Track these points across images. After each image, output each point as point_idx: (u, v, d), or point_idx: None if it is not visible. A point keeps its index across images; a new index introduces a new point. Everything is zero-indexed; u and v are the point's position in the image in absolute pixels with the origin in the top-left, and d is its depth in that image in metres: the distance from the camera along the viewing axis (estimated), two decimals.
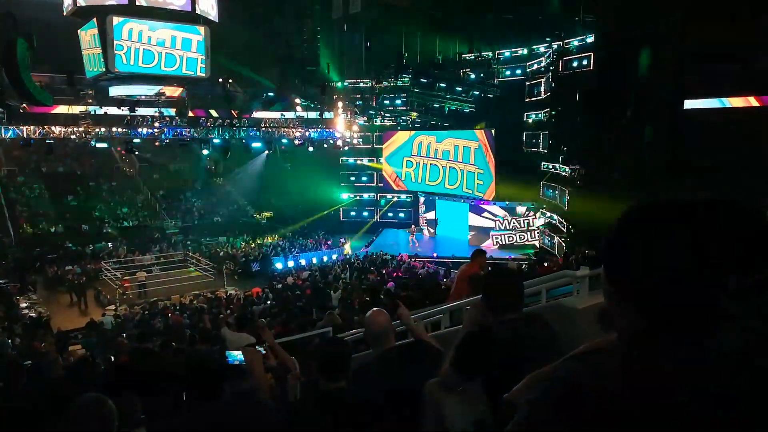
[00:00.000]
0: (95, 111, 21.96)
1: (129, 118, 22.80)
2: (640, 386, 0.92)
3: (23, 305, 20.18)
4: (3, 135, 20.32)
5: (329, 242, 30.44)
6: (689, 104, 16.07)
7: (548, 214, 25.36)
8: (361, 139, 32.10)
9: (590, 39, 21.46)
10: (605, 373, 0.95)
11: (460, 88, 27.27)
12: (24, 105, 20.96)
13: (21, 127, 20.96)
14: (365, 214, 34.61)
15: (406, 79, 27.36)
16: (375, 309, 3.16)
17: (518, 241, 27.34)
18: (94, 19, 16.47)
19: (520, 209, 27.26)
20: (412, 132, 31.92)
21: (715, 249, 0.93)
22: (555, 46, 23.62)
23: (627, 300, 1.01)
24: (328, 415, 2.48)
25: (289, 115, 27.28)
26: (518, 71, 26.90)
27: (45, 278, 24.07)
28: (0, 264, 24.23)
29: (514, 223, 27.54)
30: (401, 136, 32.04)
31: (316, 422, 2.50)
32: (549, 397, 0.98)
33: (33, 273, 24.23)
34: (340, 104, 26.65)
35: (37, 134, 21.32)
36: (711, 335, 0.94)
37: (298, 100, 26.20)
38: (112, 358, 9.18)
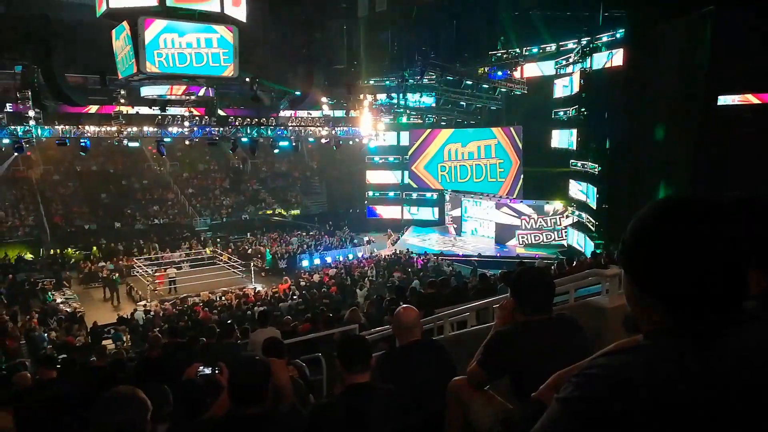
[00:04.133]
0: (127, 111, 22.46)
1: (160, 117, 23.24)
2: (666, 384, 0.91)
3: (58, 300, 20.78)
4: (39, 135, 20.88)
5: (355, 240, 30.57)
6: (723, 100, 15.69)
7: (576, 212, 25.02)
8: (387, 138, 32.16)
9: (620, 34, 21.04)
10: (633, 371, 0.95)
11: (486, 86, 27.05)
12: (59, 105, 21.54)
13: (56, 127, 21.52)
14: (391, 211, 34.61)
15: (432, 77, 27.25)
16: (405, 305, 3.40)
17: (545, 240, 27.04)
18: (125, 22, 16.81)
19: (548, 208, 26.98)
20: (440, 133, 32.19)
21: (739, 246, 0.93)
22: (584, 41, 23.23)
23: (650, 298, 1.00)
24: (354, 408, 2.50)
25: (316, 113, 27.44)
26: (546, 68, 26.55)
27: (79, 274, 24.73)
28: (37, 260, 24.97)
29: (541, 222, 27.25)
30: (431, 139, 32.54)
31: (342, 415, 2.53)
32: (579, 394, 0.98)
33: (68, 269, 24.92)
34: (366, 103, 26.69)
35: (71, 134, 21.87)
36: (735, 335, 0.93)
37: (324, 99, 26.30)
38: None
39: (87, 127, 22.16)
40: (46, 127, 21.11)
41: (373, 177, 34.66)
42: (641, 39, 19.27)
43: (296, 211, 35.25)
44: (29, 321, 17.00)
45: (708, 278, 0.93)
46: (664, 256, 0.96)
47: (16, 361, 11.02)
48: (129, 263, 25.65)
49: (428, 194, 33.46)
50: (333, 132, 27.12)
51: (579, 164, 23.97)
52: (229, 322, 9.52)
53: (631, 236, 1.02)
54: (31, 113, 19.66)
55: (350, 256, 27.41)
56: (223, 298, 20.08)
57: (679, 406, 0.90)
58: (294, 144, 27.33)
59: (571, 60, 24.55)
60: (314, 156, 37.70)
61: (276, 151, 28.52)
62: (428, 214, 33.80)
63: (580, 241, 24.18)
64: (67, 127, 21.65)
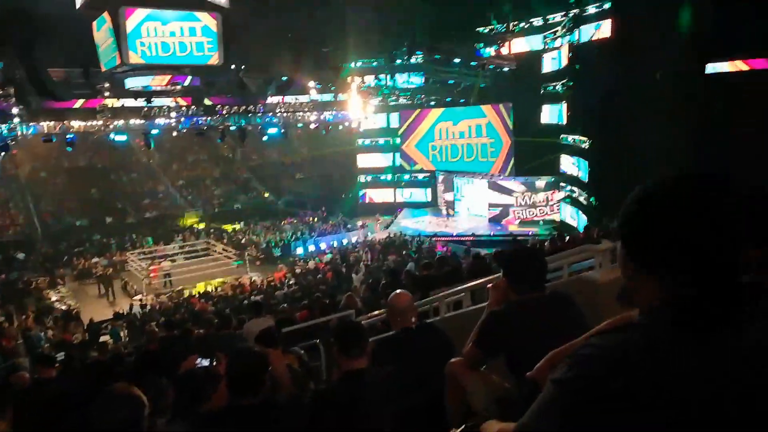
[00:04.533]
0: (112, 104, 22.17)
1: (146, 109, 22.98)
2: (663, 365, 0.90)
3: (54, 298, 20.72)
4: (24, 132, 20.62)
5: (348, 225, 30.56)
6: (711, 68, 15.66)
7: (568, 187, 25.07)
8: (376, 120, 31.99)
9: (608, 5, 20.88)
10: (629, 350, 0.94)
11: (474, 63, 26.88)
12: (43, 101, 21.23)
13: (41, 124, 21.24)
14: (383, 194, 34.56)
15: (419, 56, 27.04)
16: (399, 290, 3.44)
17: (539, 215, 27.13)
18: (106, 13, 16.54)
19: (540, 184, 27.02)
20: (429, 111, 32.03)
21: (736, 222, 0.92)
22: (571, 14, 23.05)
23: (648, 273, 0.99)
24: (352, 393, 2.51)
25: (303, 98, 27.21)
26: (534, 43, 26.38)
27: (73, 271, 24.63)
28: (29, 259, 24.82)
29: (533, 198, 27.31)
30: (421, 119, 32.32)
31: (341, 402, 2.54)
32: (574, 374, 0.97)
33: (61, 266, 24.81)
34: (353, 85, 26.48)
35: (57, 130, 21.61)
36: (735, 332, 0.93)
37: (311, 84, 26.06)
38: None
39: (72, 122, 21.89)
40: (30, 124, 20.84)
41: (364, 161, 34.52)
42: (628, 8, 19.14)
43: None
44: (25, 320, 16.95)
45: (710, 255, 0.92)
46: (665, 231, 0.94)
47: (13, 361, 10.98)
48: (122, 258, 25.55)
49: (420, 176, 33.40)
50: (321, 117, 26.94)
51: (569, 139, 23.95)
52: (226, 312, 9.55)
53: (633, 209, 1.00)
54: (15, 110, 19.38)
55: (344, 241, 27.42)
56: (219, 288, 20.08)
57: (675, 388, 0.89)
58: (283, 131, 27.15)
59: (558, 33, 24.38)
60: (304, 142, 37.47)
61: (265, 138, 28.32)
62: (421, 195, 33.78)
63: (573, 216, 24.27)
64: (52, 123, 21.37)
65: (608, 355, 0.95)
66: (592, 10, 21.81)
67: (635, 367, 0.91)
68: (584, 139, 22.17)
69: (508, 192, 28.05)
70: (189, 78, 19.34)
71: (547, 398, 1.02)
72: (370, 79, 28.47)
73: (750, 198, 1.13)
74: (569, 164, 24.72)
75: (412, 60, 27.49)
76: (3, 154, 21.59)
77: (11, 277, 22.69)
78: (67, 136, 21.56)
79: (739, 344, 0.92)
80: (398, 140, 33.07)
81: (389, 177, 34.24)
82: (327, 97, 27.63)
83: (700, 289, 0.94)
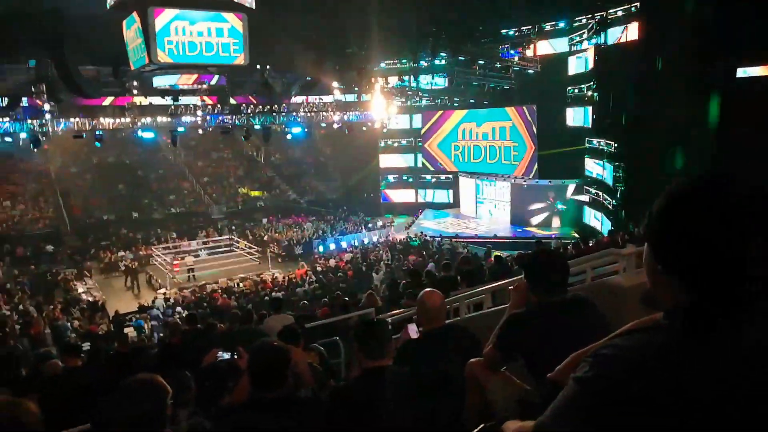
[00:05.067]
0: (140, 102, 22.59)
1: (173, 107, 23.36)
2: (677, 370, 0.91)
3: (80, 290, 21.18)
4: (56, 128, 21.11)
5: (369, 224, 30.63)
6: (743, 72, 15.33)
7: (593, 191, 24.75)
8: (399, 121, 32.02)
9: (635, 8, 20.58)
10: (651, 350, 0.94)
11: (499, 65, 26.71)
12: (73, 98, 21.73)
13: (72, 120, 21.73)
14: (405, 195, 34.56)
15: (443, 58, 26.95)
16: (430, 289, 3.35)
17: (561, 219, 26.84)
18: (135, 13, 16.86)
19: (570, 187, 26.69)
20: (454, 113, 31.86)
21: (759, 225, 0.91)
22: (598, 16, 22.78)
23: (674, 276, 0.99)
24: (371, 392, 2.52)
25: (327, 99, 27.35)
26: (559, 45, 26.13)
27: (100, 264, 25.13)
28: (57, 251, 25.40)
29: (557, 201, 27.03)
30: (444, 120, 32.28)
31: (360, 399, 2.55)
32: (595, 373, 0.98)
33: (88, 259, 25.34)
34: (377, 86, 26.52)
35: (87, 126, 22.09)
36: (751, 333, 0.92)
37: (335, 84, 26.18)
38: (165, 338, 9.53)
39: (102, 119, 22.35)
40: (61, 120, 21.33)
41: (386, 161, 34.57)
42: (656, 11, 18.85)
43: (257, 192, 34.99)
44: (53, 311, 17.35)
45: (737, 259, 0.92)
46: (693, 233, 0.93)
47: (44, 349, 11.26)
48: (147, 252, 26.00)
49: (442, 177, 33.33)
50: (345, 117, 27.04)
51: (595, 142, 23.65)
52: (249, 307, 9.66)
53: (661, 210, 1.00)
54: (47, 107, 19.86)
55: (365, 240, 27.48)
56: (241, 284, 20.30)
57: (689, 393, 0.89)
58: (306, 130, 27.31)
59: (584, 36, 24.11)
60: (327, 141, 37.65)
61: (288, 136, 28.53)
62: (443, 196, 33.70)
63: (597, 220, 23.96)
64: (82, 120, 21.85)
65: (628, 356, 0.95)
66: (619, 12, 21.53)
67: (653, 369, 0.91)
68: (610, 142, 21.87)
69: (532, 194, 27.77)
70: (216, 77, 19.61)
71: (567, 396, 1.03)
72: (393, 80, 28.48)
73: None
74: (594, 168, 24.42)
75: (436, 61, 27.43)
76: (35, 150, 22.18)
77: (40, 269, 23.26)
78: (96, 133, 22.01)
79: (740, 345, 0.92)
80: (420, 141, 33.04)
81: (411, 177, 34.23)
82: (350, 97, 27.74)
83: (714, 290, 0.94)
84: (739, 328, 0.93)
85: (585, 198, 25.68)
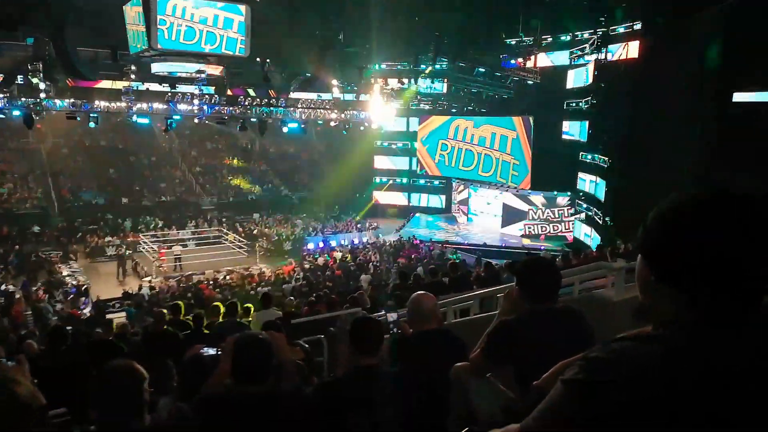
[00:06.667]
0: (137, 87, 22.40)
1: (169, 94, 23.19)
2: (683, 377, 0.90)
3: (65, 273, 20.97)
4: (50, 108, 20.90)
5: (359, 225, 30.59)
6: (738, 97, 15.48)
7: (584, 205, 24.90)
8: (396, 123, 32.02)
9: (638, 26, 20.75)
10: (649, 360, 0.94)
11: (499, 74, 26.80)
12: (69, 79, 21.52)
13: (66, 101, 21.53)
14: (397, 197, 34.56)
15: (443, 63, 26.99)
16: (422, 292, 3.33)
17: (552, 231, 26.95)
18: None
19: (561, 200, 26.77)
20: (449, 116, 31.72)
21: (760, 241, 0.92)
22: (600, 32, 22.94)
23: (669, 288, 0.98)
24: (361, 388, 2.51)
25: (326, 96, 27.29)
26: (560, 57, 26.27)
27: (86, 248, 24.90)
28: (44, 232, 25.14)
29: (548, 213, 27.13)
30: (437, 120, 31.90)
31: (348, 395, 2.54)
32: (584, 377, 0.97)
33: (74, 242, 25.10)
34: (376, 87, 26.51)
35: (81, 108, 21.89)
36: (754, 338, 0.93)
37: (335, 82, 26.14)
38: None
39: (97, 102, 22.17)
40: (56, 100, 21.12)
41: (381, 162, 34.56)
42: (658, 31, 19.02)
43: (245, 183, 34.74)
44: (35, 292, 17.18)
45: (738, 271, 0.92)
46: (694, 246, 0.94)
47: (24, 331, 11.13)
48: (135, 239, 25.79)
49: (436, 182, 33.30)
50: (342, 115, 27.00)
51: (589, 156, 23.80)
52: (233, 300, 9.58)
53: (657, 223, 1.00)
54: (42, 86, 19.65)
55: (355, 240, 27.45)
56: (228, 277, 20.19)
57: (690, 400, 0.89)
58: (303, 126, 27.24)
59: (586, 50, 24.26)
60: (323, 139, 37.58)
61: (285, 130, 28.43)
62: (435, 201, 33.71)
63: (587, 234, 24.09)
64: (77, 100, 21.66)
65: (625, 361, 0.95)
66: (620, 29, 21.69)
67: (654, 377, 0.91)
68: (604, 158, 22.02)
69: (528, 202, 27.76)
70: (221, 67, 19.50)
71: (554, 398, 1.02)
72: (393, 82, 28.47)
73: None
74: (586, 182, 24.56)
75: (437, 66, 27.47)
76: (29, 128, 21.95)
77: (26, 249, 23.00)
78: (91, 115, 21.83)
79: (742, 354, 0.92)
80: (416, 144, 33.03)
81: (404, 180, 34.22)
82: (349, 96, 27.70)
83: (719, 297, 0.93)
84: (740, 336, 0.93)
85: (577, 213, 25.78)
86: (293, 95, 26.62)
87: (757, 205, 0.94)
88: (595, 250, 15.32)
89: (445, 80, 28.29)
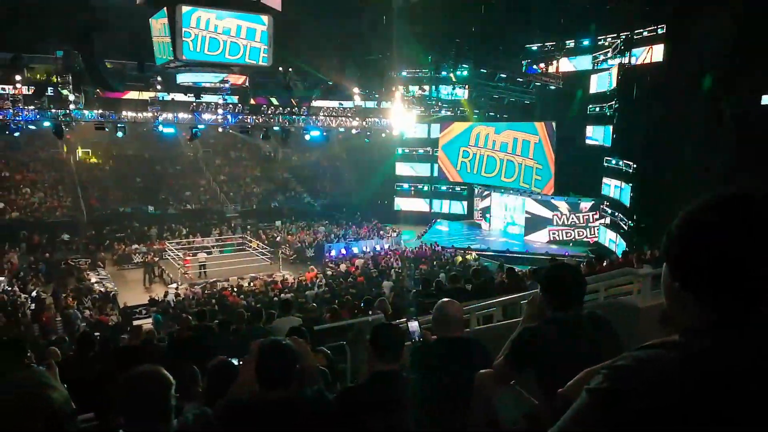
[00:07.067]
0: (163, 97, 22.88)
1: (194, 104, 23.64)
2: (703, 384, 0.90)
3: (93, 280, 21.39)
4: (79, 119, 21.44)
5: (381, 231, 30.62)
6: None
7: (609, 210, 24.55)
8: (417, 129, 32.05)
9: (661, 30, 20.47)
10: (669, 367, 0.93)
11: (521, 79, 26.67)
12: (98, 90, 22.08)
13: (95, 111, 22.06)
14: (419, 204, 34.55)
15: (465, 69, 26.99)
16: (448, 299, 3.34)
17: (576, 237, 26.62)
18: (165, 9, 17.08)
19: (585, 205, 26.46)
20: (470, 123, 31.60)
21: None
22: (623, 36, 22.68)
23: (692, 295, 0.97)
24: (382, 394, 2.51)
25: (347, 104, 27.49)
26: (583, 62, 26.02)
27: (113, 256, 25.39)
28: (73, 240, 25.71)
29: (573, 219, 26.82)
30: (459, 126, 31.79)
31: (370, 401, 2.54)
32: (609, 385, 0.97)
33: (102, 250, 25.62)
34: (397, 94, 26.62)
35: (109, 118, 22.41)
36: None
37: (356, 90, 26.33)
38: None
39: (124, 112, 22.68)
40: (85, 111, 21.66)
41: (403, 169, 34.60)
42: (682, 34, 18.72)
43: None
44: (65, 299, 17.55)
45: (759, 275, 0.91)
46: (712, 252, 0.93)
47: (55, 337, 11.38)
48: (161, 247, 26.22)
49: (458, 188, 33.19)
50: (364, 123, 27.15)
51: (613, 161, 23.49)
52: (258, 306, 9.69)
53: (682, 229, 0.99)
54: (71, 97, 20.18)
55: (377, 247, 27.48)
56: (251, 284, 20.37)
57: (708, 406, 0.88)
58: (325, 134, 27.46)
59: (609, 54, 24.01)
60: (344, 146, 37.81)
61: (307, 138, 28.69)
62: (457, 208, 33.59)
63: (611, 240, 23.74)
64: (105, 111, 22.18)
65: (647, 369, 0.95)
66: (644, 33, 21.41)
67: (674, 385, 0.91)
68: (629, 163, 21.69)
69: (551, 208, 27.50)
70: (244, 77, 19.78)
71: (579, 408, 1.02)
72: (414, 89, 28.55)
73: None
74: (611, 187, 24.23)
75: (458, 72, 27.48)
76: (59, 139, 22.54)
77: (55, 257, 23.56)
78: (118, 125, 22.33)
79: (761, 362, 0.91)
80: (437, 151, 32.99)
81: (426, 187, 34.19)
82: (370, 104, 27.86)
83: (739, 302, 0.93)
84: (760, 339, 0.92)
85: (602, 219, 25.41)
86: (315, 103, 26.88)
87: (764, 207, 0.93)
88: (621, 256, 15.11)
89: (467, 87, 28.25)
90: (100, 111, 22.07)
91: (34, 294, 17.99)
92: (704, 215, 0.97)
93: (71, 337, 9.91)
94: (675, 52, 19.10)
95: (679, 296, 1.01)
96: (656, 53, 20.46)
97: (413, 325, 3.42)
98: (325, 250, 26.68)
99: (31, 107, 20.33)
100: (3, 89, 20.40)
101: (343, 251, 26.81)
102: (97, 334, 9.47)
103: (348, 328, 7.27)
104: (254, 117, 25.22)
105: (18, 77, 19.31)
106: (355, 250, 27.03)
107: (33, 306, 16.57)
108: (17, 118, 20.01)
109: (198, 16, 17.07)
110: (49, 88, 20.70)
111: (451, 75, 27.58)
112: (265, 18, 18.38)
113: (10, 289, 18.25)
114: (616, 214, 23.46)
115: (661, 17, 20.39)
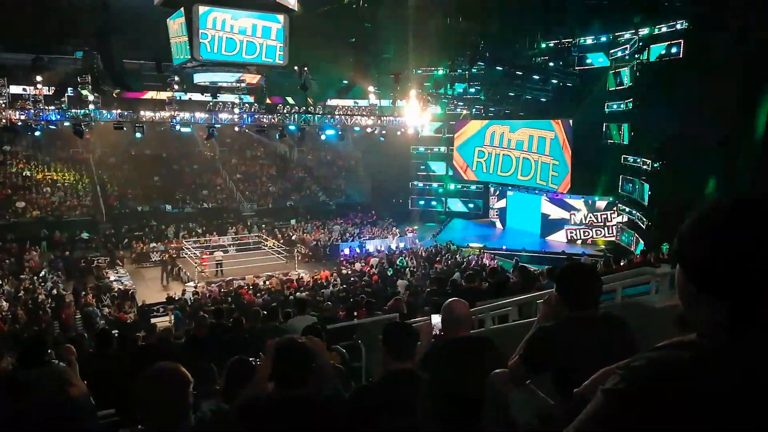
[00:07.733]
0: (180, 97, 23.10)
1: (211, 104, 23.84)
2: (719, 385, 0.90)
3: (112, 278, 21.69)
4: (98, 119, 21.73)
5: (396, 230, 30.61)
6: None
7: (627, 209, 24.28)
8: (433, 128, 31.96)
9: (680, 25, 20.17)
10: (682, 365, 0.94)
11: (537, 77, 26.46)
12: (117, 90, 22.37)
13: (114, 111, 22.34)
14: (434, 203, 34.49)
15: (481, 67, 26.84)
16: (455, 299, 3.35)
17: (594, 236, 26.38)
18: (182, 9, 17.26)
19: (600, 204, 26.19)
20: (486, 121, 31.41)
21: None
22: (642, 32, 22.38)
23: (707, 296, 0.97)
24: (396, 392, 2.52)
25: (363, 103, 27.50)
26: (600, 59, 25.74)
27: (132, 254, 25.72)
28: (92, 239, 26.09)
29: (590, 217, 26.57)
30: (474, 125, 31.64)
31: (385, 399, 2.55)
32: (625, 386, 0.97)
33: (121, 249, 25.96)
34: (413, 93, 26.57)
35: (127, 118, 22.69)
36: None
37: (371, 88, 26.33)
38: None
39: (142, 112, 22.93)
40: (104, 111, 21.94)
41: (418, 168, 34.55)
42: (702, 30, 18.45)
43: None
44: (84, 297, 17.82)
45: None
46: (728, 253, 0.93)
47: (73, 334, 11.55)
48: (178, 245, 26.49)
49: (473, 186, 33.06)
50: (379, 121, 27.14)
51: (631, 159, 23.21)
52: (273, 305, 9.75)
53: (694, 231, 0.99)
54: (91, 97, 20.46)
55: (393, 246, 27.48)
56: (267, 282, 20.50)
57: (730, 408, 0.88)
58: (340, 133, 27.52)
59: (627, 51, 23.72)
60: (360, 145, 37.86)
61: (323, 137, 28.77)
62: (472, 207, 33.47)
63: (630, 239, 23.48)
64: (123, 111, 22.45)
65: (663, 370, 0.95)
66: (663, 29, 21.11)
67: (686, 384, 0.91)
68: (647, 160, 21.42)
69: (567, 208, 27.26)
70: (258, 77, 19.92)
71: (595, 408, 1.02)
72: (429, 87, 28.47)
73: None
74: (629, 186, 23.95)
75: (473, 70, 27.34)
76: (79, 138, 22.86)
77: (75, 255, 23.92)
78: (136, 125, 22.59)
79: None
80: (452, 150, 32.88)
81: (441, 185, 34.11)
82: (385, 102, 27.84)
83: (749, 302, 0.92)
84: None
85: (619, 217, 25.14)
86: (330, 102, 26.93)
87: None
88: (639, 255, 14.95)
89: (482, 84, 28.08)
90: (119, 111, 22.33)
91: (54, 292, 18.29)
92: (723, 217, 0.97)
93: (90, 335, 10.06)
94: (694, 48, 18.82)
95: (695, 298, 1.00)
96: (675, 49, 20.18)
97: (435, 318, 3.46)
98: (340, 248, 26.75)
99: (52, 107, 20.64)
100: (24, 90, 20.76)
101: (358, 250, 26.86)
102: (115, 331, 9.62)
103: (364, 328, 7.29)
104: (270, 116, 25.35)
105: (39, 78, 19.62)
106: (370, 248, 27.05)
107: (53, 303, 16.85)
108: (38, 119, 20.33)
109: (214, 17, 17.22)
110: (69, 89, 21.02)
111: (467, 73, 27.46)
112: (280, 17, 18.48)
113: (31, 286, 18.57)
114: (634, 212, 23.20)
115: (680, 12, 20.10)
